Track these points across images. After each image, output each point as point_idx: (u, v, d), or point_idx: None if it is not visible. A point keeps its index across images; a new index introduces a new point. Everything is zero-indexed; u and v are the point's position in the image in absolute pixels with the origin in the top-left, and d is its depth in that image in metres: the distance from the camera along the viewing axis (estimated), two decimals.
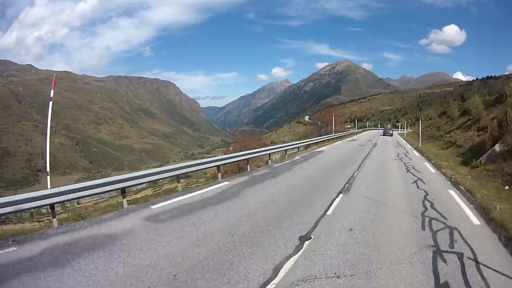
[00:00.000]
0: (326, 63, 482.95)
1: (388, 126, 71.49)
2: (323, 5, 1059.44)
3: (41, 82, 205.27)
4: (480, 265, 3.70)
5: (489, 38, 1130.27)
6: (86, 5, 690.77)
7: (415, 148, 20.22)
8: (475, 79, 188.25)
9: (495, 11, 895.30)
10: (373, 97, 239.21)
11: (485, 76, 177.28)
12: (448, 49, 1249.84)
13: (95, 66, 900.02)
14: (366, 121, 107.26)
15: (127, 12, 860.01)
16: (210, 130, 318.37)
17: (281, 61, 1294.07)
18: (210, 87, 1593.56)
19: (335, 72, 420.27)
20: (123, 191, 6.66)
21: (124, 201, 6.64)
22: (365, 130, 64.40)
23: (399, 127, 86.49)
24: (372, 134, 46.75)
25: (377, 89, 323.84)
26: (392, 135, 42.25)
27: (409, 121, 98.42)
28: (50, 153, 7.03)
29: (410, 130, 58.64)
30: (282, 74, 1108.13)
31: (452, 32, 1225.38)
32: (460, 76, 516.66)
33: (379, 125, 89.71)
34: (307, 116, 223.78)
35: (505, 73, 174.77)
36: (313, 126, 48.30)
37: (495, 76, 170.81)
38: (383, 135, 42.34)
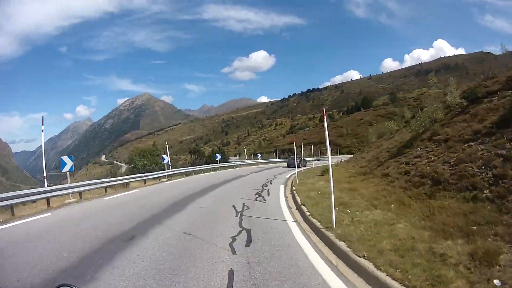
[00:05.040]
0: (127, 98, 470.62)
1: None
2: (132, 37, 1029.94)
3: None
4: None
5: (301, 59, 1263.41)
6: None
7: None
8: (293, 94, 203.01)
9: (311, 34, 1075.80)
10: (172, 128, 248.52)
11: (305, 90, 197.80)
12: (254, 75, 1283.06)
13: None
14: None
15: None
16: (21, 178, 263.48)
17: (85, 98, 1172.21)
18: (23, 129, 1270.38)
19: (134, 106, 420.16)
20: None
21: None
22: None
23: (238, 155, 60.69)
24: None
25: (176, 120, 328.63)
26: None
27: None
28: None
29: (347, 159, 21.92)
30: (85, 112, 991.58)
31: (259, 58, 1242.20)
32: (264, 99, 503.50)
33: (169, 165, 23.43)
34: (104, 156, 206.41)
35: (332, 84, 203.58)
36: None
37: (318, 88, 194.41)
38: (288, 166, 27.18)
